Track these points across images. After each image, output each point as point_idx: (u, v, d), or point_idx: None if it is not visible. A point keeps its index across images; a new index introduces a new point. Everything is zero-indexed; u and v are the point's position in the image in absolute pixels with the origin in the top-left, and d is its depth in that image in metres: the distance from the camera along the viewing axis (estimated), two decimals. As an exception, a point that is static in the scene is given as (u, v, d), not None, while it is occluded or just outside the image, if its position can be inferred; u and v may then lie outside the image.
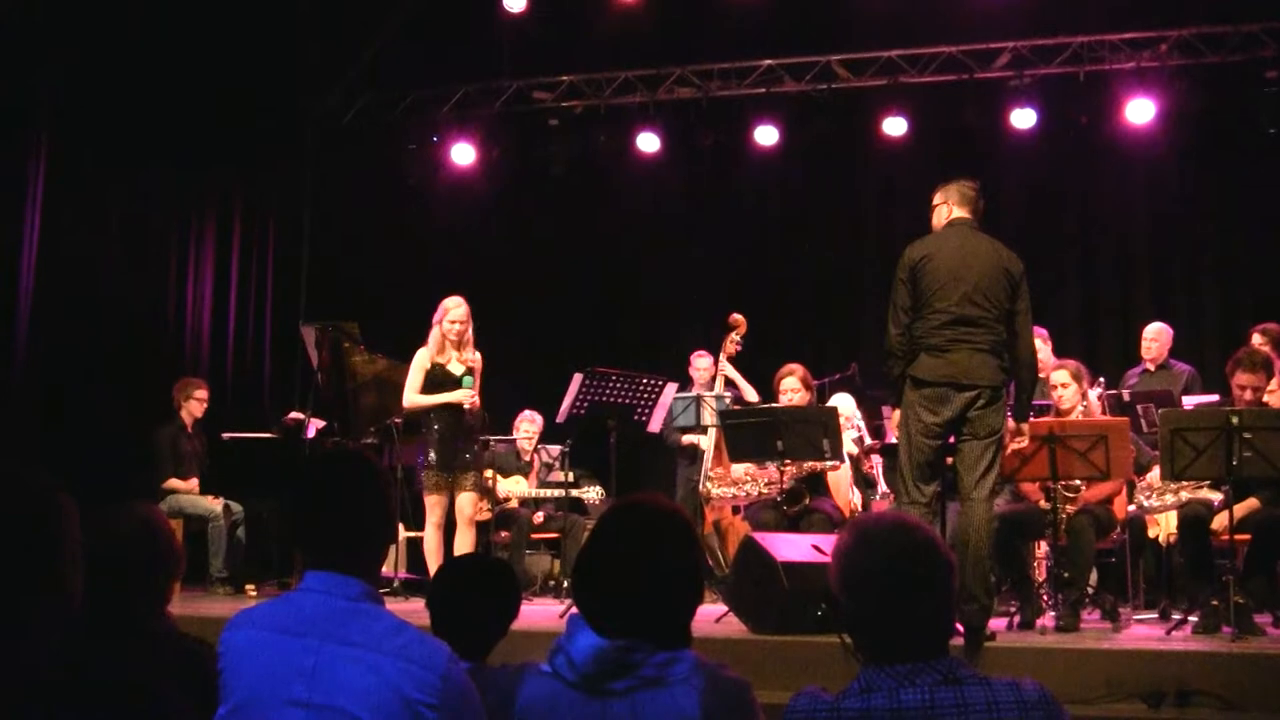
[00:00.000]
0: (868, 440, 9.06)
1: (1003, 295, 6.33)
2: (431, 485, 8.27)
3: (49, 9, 9.88)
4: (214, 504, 9.63)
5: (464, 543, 8.21)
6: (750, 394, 9.52)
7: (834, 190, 12.55)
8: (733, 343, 9.42)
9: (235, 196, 12.48)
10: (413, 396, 8.30)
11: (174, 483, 9.72)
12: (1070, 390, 7.65)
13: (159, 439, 9.91)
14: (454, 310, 8.33)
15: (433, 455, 8.24)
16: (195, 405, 10.11)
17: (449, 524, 8.37)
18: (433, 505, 8.28)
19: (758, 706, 2.55)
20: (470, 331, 8.36)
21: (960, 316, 6.26)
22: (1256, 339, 8.24)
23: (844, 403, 9.02)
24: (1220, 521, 6.91)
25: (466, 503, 8.26)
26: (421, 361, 8.32)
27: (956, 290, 6.28)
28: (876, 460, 9.19)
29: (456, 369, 8.27)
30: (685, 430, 9.79)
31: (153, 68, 10.73)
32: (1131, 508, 7.80)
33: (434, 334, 8.35)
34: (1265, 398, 7.15)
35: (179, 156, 11.62)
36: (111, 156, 10.79)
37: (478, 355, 8.39)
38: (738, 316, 9.44)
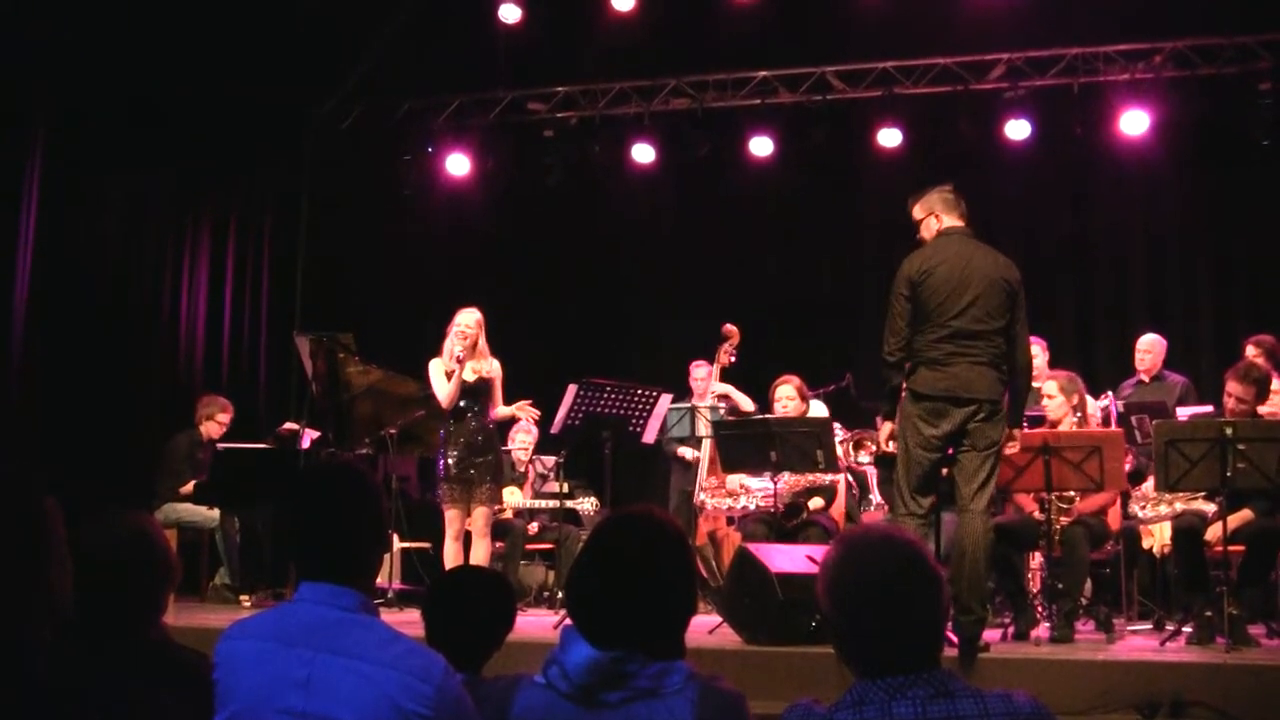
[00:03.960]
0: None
1: (1003, 307, 6.31)
2: (448, 497, 8.22)
3: (48, 10, 9.89)
4: (211, 513, 9.63)
5: (479, 553, 8.17)
6: (746, 404, 9.50)
7: (829, 201, 12.54)
8: (726, 353, 9.43)
9: (231, 204, 12.48)
10: (442, 392, 8.24)
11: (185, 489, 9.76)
12: (1057, 401, 7.64)
13: (176, 445, 9.93)
14: (461, 315, 8.31)
15: (452, 468, 8.21)
16: (215, 426, 10.13)
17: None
18: (451, 518, 8.22)
19: (751, 718, 2.55)
20: (483, 339, 8.33)
21: (961, 331, 6.25)
22: (1250, 350, 8.25)
23: (821, 412, 9.00)
24: (1214, 533, 6.91)
25: (479, 516, 8.22)
26: (438, 368, 8.28)
27: (957, 304, 6.26)
28: (871, 471, 9.18)
29: (468, 376, 8.24)
30: (680, 441, 9.79)
31: (150, 73, 10.75)
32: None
33: (447, 343, 8.31)
34: (1261, 409, 7.17)
35: (175, 163, 11.64)
36: (108, 162, 10.80)
37: (495, 364, 8.37)
38: (731, 327, 9.44)
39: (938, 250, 6.46)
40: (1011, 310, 6.36)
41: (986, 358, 6.27)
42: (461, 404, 8.27)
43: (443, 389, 8.24)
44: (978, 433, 6.25)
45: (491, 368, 8.34)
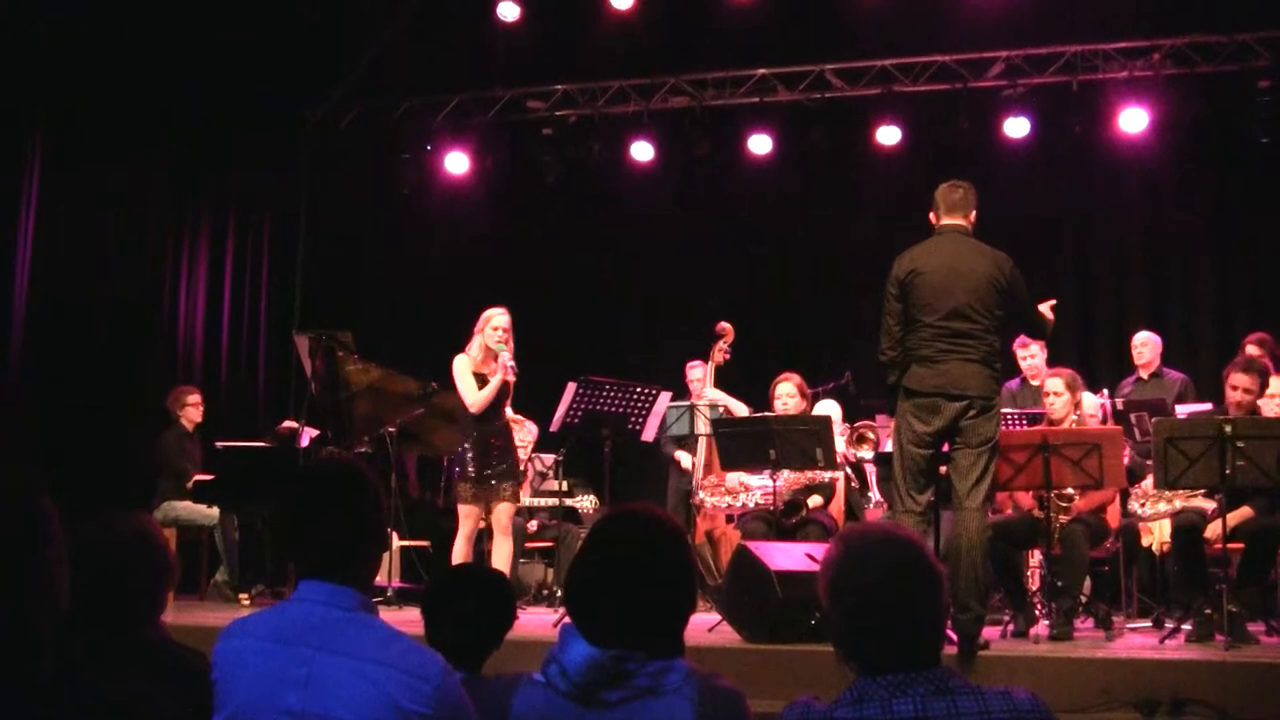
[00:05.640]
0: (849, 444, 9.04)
1: (994, 305, 6.34)
2: (467, 496, 8.15)
3: (46, 9, 9.88)
4: (210, 512, 9.63)
5: (501, 551, 8.14)
6: (739, 409, 9.40)
7: (828, 199, 12.54)
8: (721, 351, 9.38)
9: (230, 203, 12.49)
10: (476, 397, 8.14)
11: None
12: (1063, 400, 7.65)
13: (165, 444, 9.92)
14: (497, 317, 8.23)
15: (470, 467, 8.16)
16: (192, 411, 10.16)
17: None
18: (466, 515, 8.16)
19: (751, 716, 2.55)
20: (511, 342, 8.25)
21: (951, 329, 6.27)
22: (1252, 350, 8.26)
23: (832, 410, 9.01)
24: (1214, 530, 6.91)
25: (503, 513, 8.19)
26: (465, 367, 8.20)
27: (946, 303, 6.29)
28: (871, 468, 9.19)
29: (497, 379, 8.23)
30: (680, 440, 9.77)
31: (149, 74, 10.75)
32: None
33: (475, 342, 8.25)
34: (1260, 403, 7.18)
35: (174, 162, 11.65)
36: (106, 163, 10.79)
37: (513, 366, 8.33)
38: (725, 325, 9.40)
39: (927, 250, 6.49)
40: (1008, 305, 6.38)
41: (978, 355, 6.29)
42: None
43: (476, 393, 8.15)
44: (970, 429, 6.27)
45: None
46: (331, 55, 12.31)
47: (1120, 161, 11.55)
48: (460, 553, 8.15)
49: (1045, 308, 6.73)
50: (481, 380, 8.19)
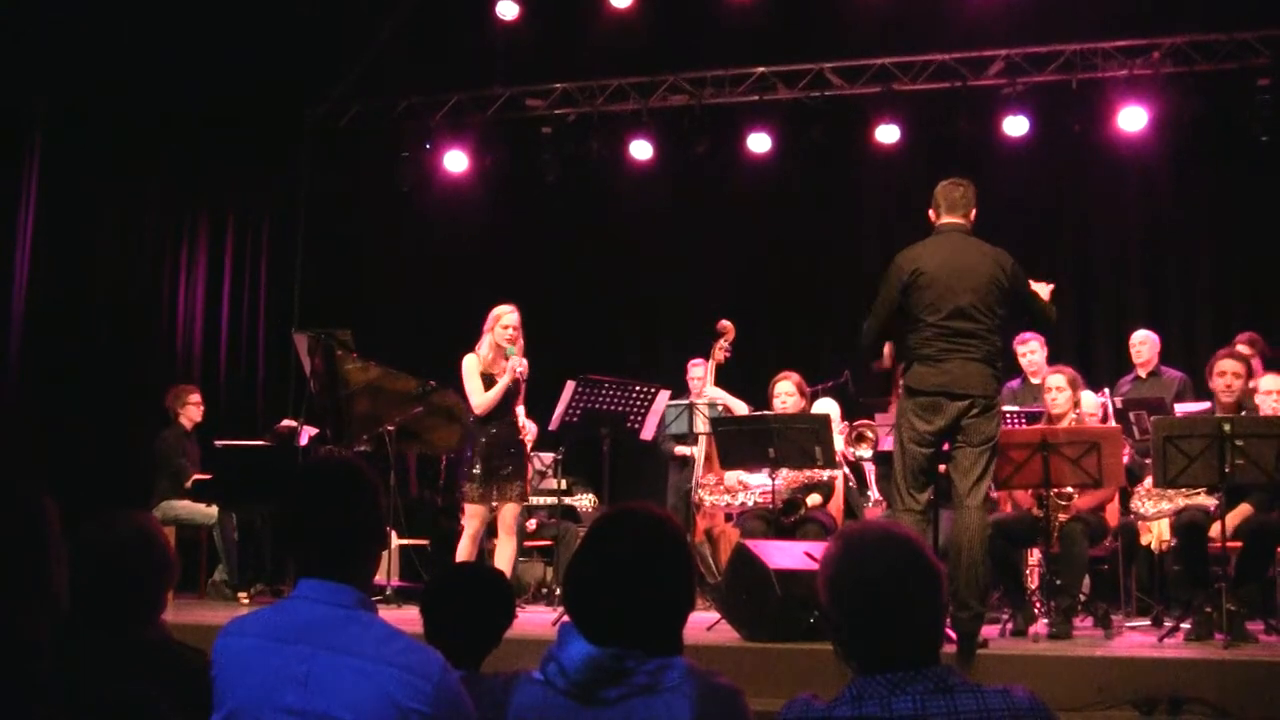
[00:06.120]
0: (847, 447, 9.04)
1: (997, 304, 6.35)
2: (475, 496, 8.10)
3: (46, 9, 9.88)
4: (209, 510, 9.64)
5: (505, 551, 8.12)
6: (739, 409, 9.40)
7: (827, 197, 12.54)
8: (721, 349, 9.36)
9: (229, 203, 12.50)
10: (482, 399, 8.11)
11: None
12: (1064, 396, 7.66)
13: (165, 443, 9.92)
14: (506, 316, 8.22)
15: (478, 467, 8.11)
16: (193, 410, 10.15)
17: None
18: (472, 514, 8.13)
19: (749, 714, 2.55)
20: (521, 340, 8.24)
21: (954, 329, 6.27)
22: (1243, 349, 8.28)
23: (831, 409, 9.01)
24: (1215, 529, 6.92)
25: (509, 513, 8.16)
26: (474, 367, 8.16)
27: (950, 303, 6.29)
28: (869, 467, 9.19)
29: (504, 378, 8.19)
30: (678, 438, 9.77)
31: (147, 74, 10.75)
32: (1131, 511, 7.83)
33: (485, 342, 8.22)
34: (1258, 399, 7.21)
35: (172, 162, 11.65)
36: (105, 162, 10.80)
37: (525, 362, 8.26)
38: (726, 323, 9.39)
39: (928, 249, 6.49)
40: (1009, 304, 6.40)
41: (980, 354, 6.30)
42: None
43: (482, 395, 8.12)
44: (972, 428, 6.27)
45: (523, 366, 8.27)
46: (331, 54, 12.31)
47: (1119, 160, 11.54)
48: (465, 551, 8.13)
49: (1044, 290, 6.72)
50: (490, 380, 8.17)
